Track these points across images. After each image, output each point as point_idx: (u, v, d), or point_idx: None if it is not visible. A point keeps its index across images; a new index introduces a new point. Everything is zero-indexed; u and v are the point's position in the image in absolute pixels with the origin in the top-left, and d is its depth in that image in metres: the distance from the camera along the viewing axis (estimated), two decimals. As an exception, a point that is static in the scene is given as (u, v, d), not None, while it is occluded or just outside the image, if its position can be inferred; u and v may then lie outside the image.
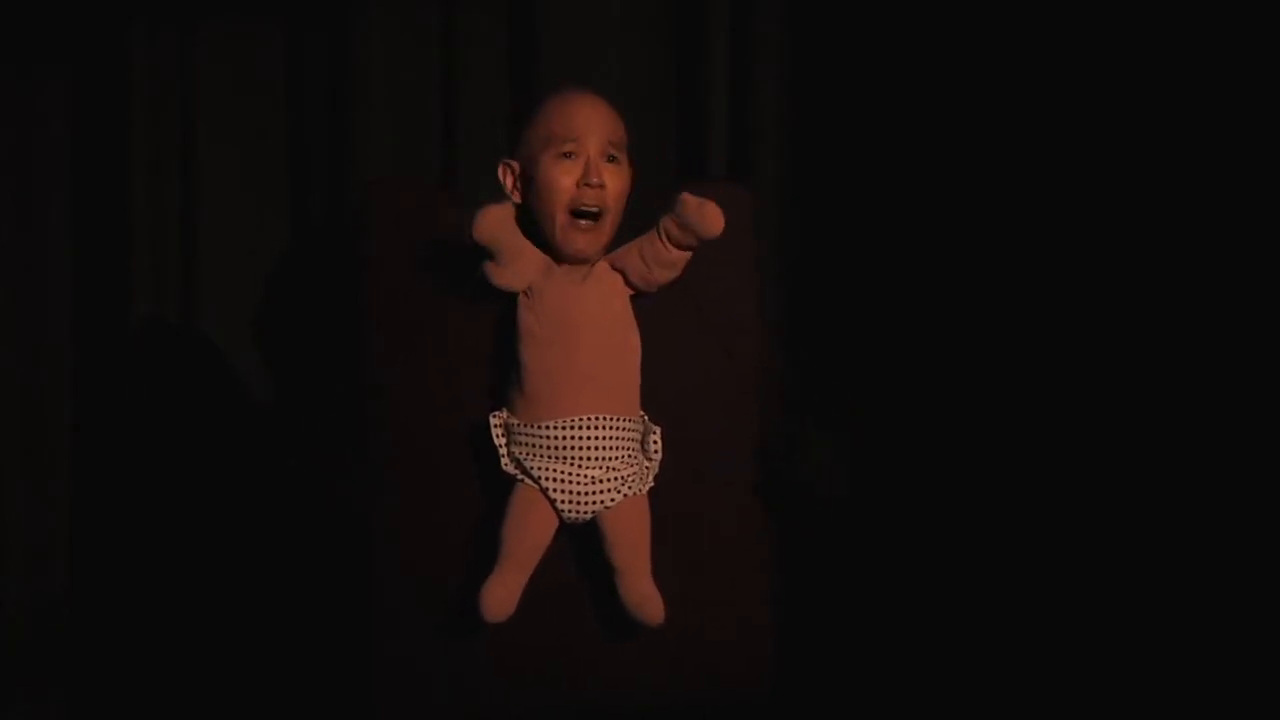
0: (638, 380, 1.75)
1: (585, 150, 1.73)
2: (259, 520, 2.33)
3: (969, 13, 2.24)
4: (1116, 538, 2.11)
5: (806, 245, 2.31)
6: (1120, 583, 2.11)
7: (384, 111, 2.33)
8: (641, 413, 1.75)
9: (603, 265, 1.76)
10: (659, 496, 1.75)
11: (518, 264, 1.72)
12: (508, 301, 1.75)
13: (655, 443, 1.75)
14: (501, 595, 1.70)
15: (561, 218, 1.73)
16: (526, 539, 1.71)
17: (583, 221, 1.73)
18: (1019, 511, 2.18)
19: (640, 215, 1.80)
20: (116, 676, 2.37)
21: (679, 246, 1.74)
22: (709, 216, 1.70)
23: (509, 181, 1.78)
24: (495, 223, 1.69)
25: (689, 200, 1.71)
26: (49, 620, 2.41)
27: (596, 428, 1.69)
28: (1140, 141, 2.12)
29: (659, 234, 1.74)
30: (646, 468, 1.75)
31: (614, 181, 1.74)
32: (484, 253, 1.70)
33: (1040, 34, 2.19)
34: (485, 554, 1.72)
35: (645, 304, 1.77)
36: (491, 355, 1.78)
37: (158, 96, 2.35)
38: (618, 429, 1.71)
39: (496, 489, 1.73)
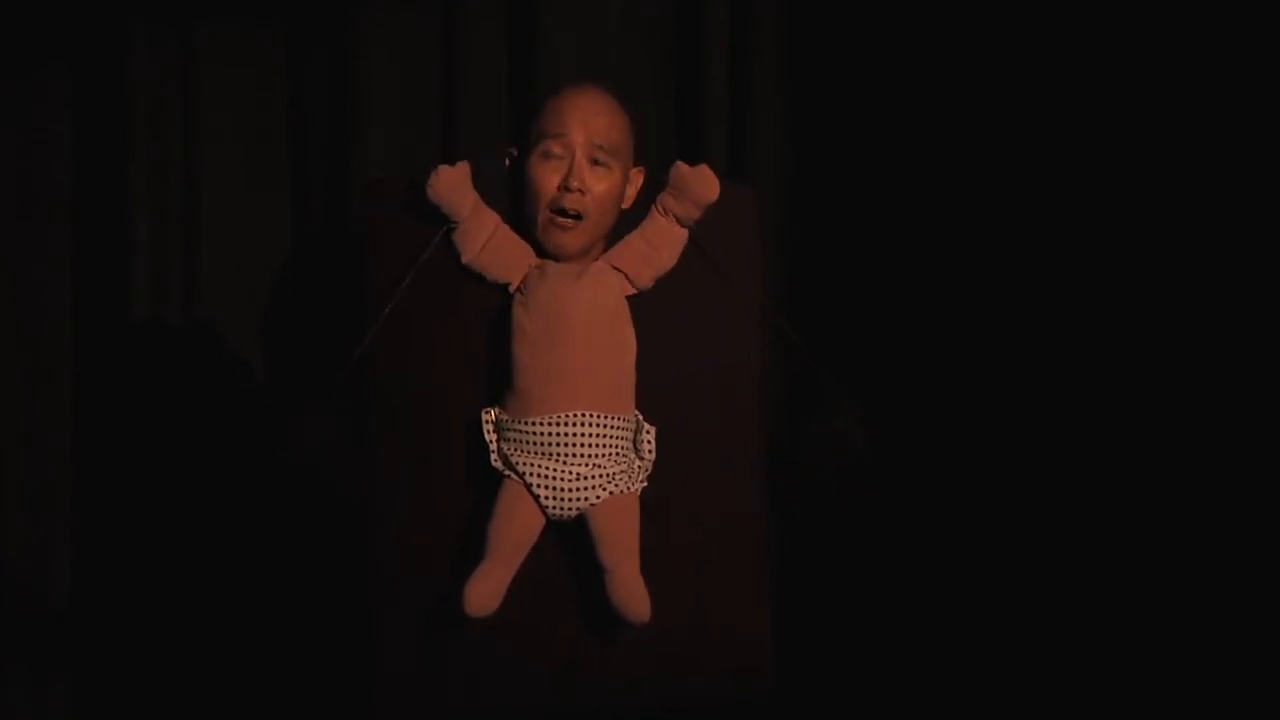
0: (630, 379, 1.74)
1: (571, 150, 1.73)
2: (258, 518, 2.33)
3: (968, 13, 2.24)
4: (1116, 532, 2.11)
5: (806, 244, 2.32)
6: (1119, 578, 2.11)
7: (384, 111, 2.33)
8: (636, 412, 1.74)
9: (600, 264, 1.75)
10: (659, 494, 1.75)
11: (478, 232, 1.74)
12: (503, 299, 1.75)
13: (648, 442, 1.74)
14: (484, 590, 1.69)
15: (543, 216, 1.74)
16: (511, 535, 1.71)
17: (563, 220, 1.74)
18: (1017, 511, 2.18)
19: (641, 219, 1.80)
20: (117, 675, 2.37)
21: (679, 221, 1.75)
22: (705, 179, 1.73)
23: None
24: (447, 183, 1.71)
25: (682, 167, 1.74)
26: (49, 619, 2.41)
27: (583, 425, 1.69)
28: (1138, 142, 2.12)
29: (659, 210, 1.75)
30: (638, 467, 1.74)
31: (598, 185, 1.73)
32: (447, 220, 1.72)
33: (1039, 32, 2.19)
34: (481, 550, 1.72)
35: (647, 302, 1.77)
36: (488, 353, 1.78)
37: (158, 96, 2.36)
38: (606, 427, 1.70)
39: (492, 486, 1.73)
